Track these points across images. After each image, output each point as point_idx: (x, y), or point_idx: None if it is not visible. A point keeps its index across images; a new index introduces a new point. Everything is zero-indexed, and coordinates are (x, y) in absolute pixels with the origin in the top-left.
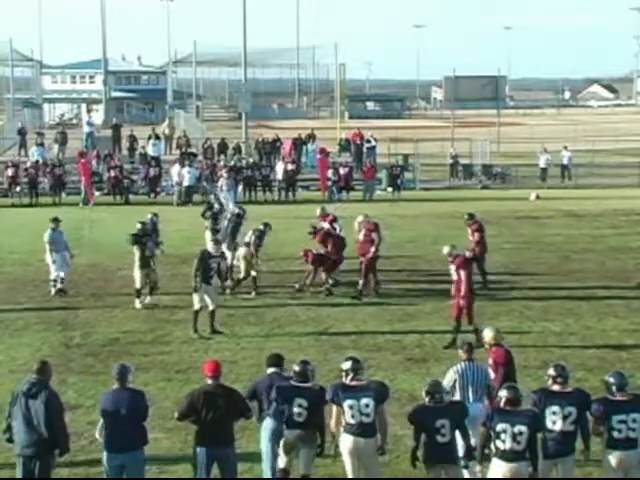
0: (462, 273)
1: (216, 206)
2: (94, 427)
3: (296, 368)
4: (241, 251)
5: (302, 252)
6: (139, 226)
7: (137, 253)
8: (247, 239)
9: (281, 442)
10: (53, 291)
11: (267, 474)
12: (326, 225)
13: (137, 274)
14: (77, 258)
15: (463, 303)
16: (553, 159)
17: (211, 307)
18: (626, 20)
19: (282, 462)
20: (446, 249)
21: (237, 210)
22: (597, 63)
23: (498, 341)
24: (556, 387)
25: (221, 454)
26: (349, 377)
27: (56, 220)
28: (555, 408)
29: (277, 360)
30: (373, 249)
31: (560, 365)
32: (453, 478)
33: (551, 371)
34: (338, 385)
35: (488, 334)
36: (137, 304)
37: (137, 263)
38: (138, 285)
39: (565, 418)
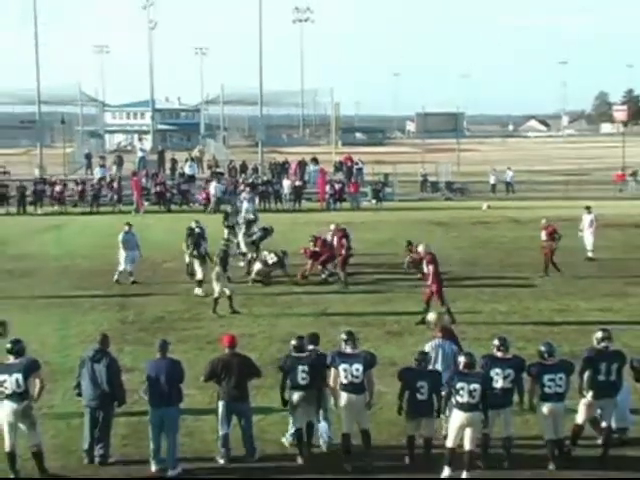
0: (430, 267)
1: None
2: (145, 385)
3: (293, 342)
4: (258, 266)
5: (302, 249)
6: (198, 231)
7: (197, 252)
8: (270, 260)
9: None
10: (116, 277)
11: (292, 427)
12: (328, 237)
13: (198, 268)
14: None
15: (432, 289)
16: (500, 177)
17: (228, 293)
18: (554, 71)
19: (296, 422)
20: (421, 247)
21: (267, 226)
22: (534, 102)
23: (440, 322)
24: (499, 354)
25: (238, 407)
26: (345, 345)
27: (129, 224)
28: (497, 370)
29: (315, 339)
30: (343, 251)
31: (502, 337)
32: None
33: (495, 342)
34: (336, 352)
35: (431, 316)
36: (199, 291)
37: (197, 260)
38: (199, 276)
39: (505, 378)
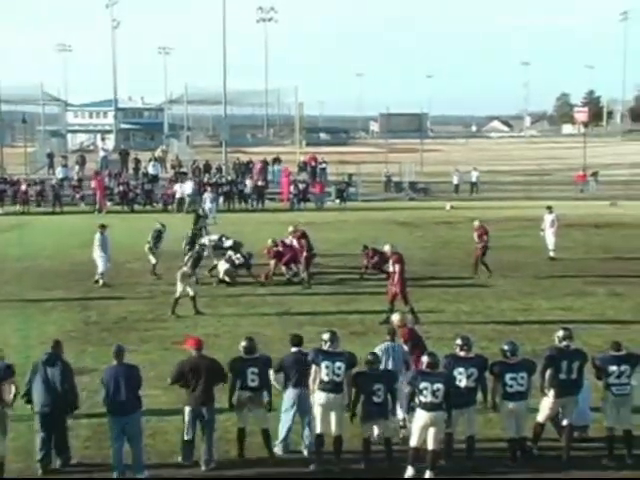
0: (397, 267)
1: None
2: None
3: (243, 344)
4: (225, 266)
5: (265, 250)
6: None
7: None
8: (237, 261)
9: (235, 401)
10: (101, 282)
11: (282, 433)
12: (287, 240)
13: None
14: (93, 254)
15: (396, 289)
16: (464, 177)
17: (192, 294)
18: (516, 73)
19: (240, 422)
20: (387, 247)
21: (237, 240)
22: (497, 103)
23: (404, 323)
24: (462, 353)
25: (204, 412)
26: (327, 345)
27: (103, 226)
28: (461, 369)
29: (298, 340)
30: (305, 252)
31: (465, 336)
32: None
33: (458, 341)
34: (318, 350)
35: (395, 318)
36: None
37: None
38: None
39: (468, 377)
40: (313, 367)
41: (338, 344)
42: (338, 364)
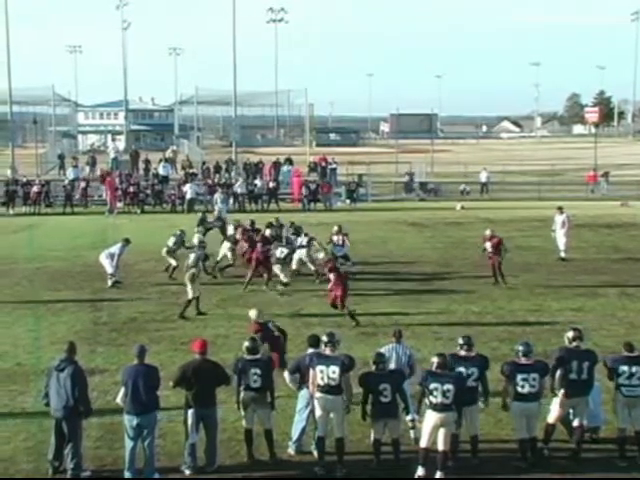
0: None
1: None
2: (118, 386)
3: (246, 344)
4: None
5: None
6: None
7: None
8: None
9: (240, 400)
10: (110, 283)
11: (295, 434)
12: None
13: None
14: (100, 257)
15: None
16: (474, 178)
17: (197, 294)
18: (527, 73)
19: (245, 423)
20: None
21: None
22: (507, 103)
23: (261, 320)
24: (463, 352)
25: (206, 413)
26: (324, 347)
27: (128, 240)
28: (461, 369)
29: (315, 341)
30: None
31: (467, 336)
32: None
33: (460, 340)
34: (314, 353)
35: (253, 313)
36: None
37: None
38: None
39: (469, 376)
40: (311, 371)
41: (337, 345)
42: (332, 368)
